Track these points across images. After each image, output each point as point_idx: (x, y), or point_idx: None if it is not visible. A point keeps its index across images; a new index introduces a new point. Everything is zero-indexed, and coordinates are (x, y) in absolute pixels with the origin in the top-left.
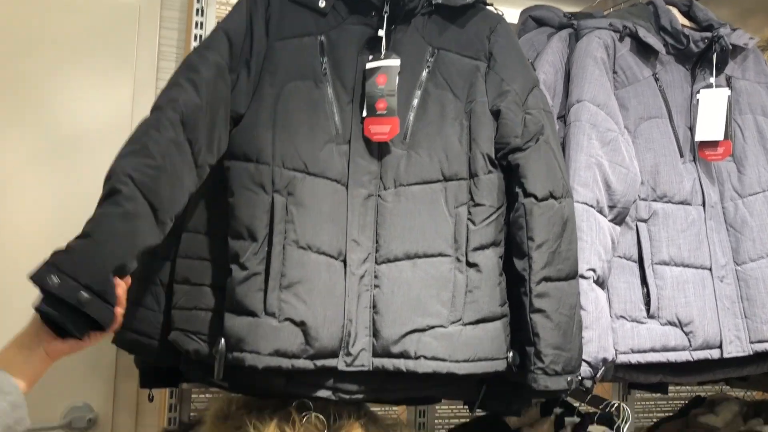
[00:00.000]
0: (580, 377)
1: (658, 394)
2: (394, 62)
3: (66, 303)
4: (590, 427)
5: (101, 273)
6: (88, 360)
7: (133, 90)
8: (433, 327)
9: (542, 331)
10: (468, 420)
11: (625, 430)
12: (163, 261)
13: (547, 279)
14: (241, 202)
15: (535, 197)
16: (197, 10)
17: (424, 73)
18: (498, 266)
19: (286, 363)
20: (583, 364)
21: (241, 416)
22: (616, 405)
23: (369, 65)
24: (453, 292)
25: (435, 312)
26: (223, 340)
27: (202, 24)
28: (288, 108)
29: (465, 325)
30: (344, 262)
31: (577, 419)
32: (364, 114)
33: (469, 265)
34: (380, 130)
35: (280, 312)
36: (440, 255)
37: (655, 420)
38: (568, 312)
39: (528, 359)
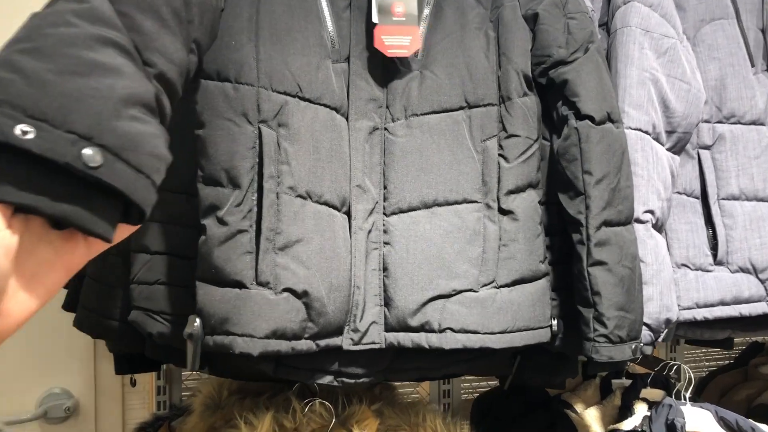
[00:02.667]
0: (641, 344)
1: None
2: None
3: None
4: (644, 391)
5: (100, 115)
6: (64, 340)
7: None
8: (460, 291)
9: (604, 289)
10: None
11: (688, 395)
12: None
13: (607, 223)
14: (217, 136)
15: (592, 119)
16: None
17: None
18: (537, 213)
19: (285, 346)
20: (643, 327)
21: (233, 404)
22: (675, 366)
23: None
24: (483, 247)
25: (462, 273)
26: (198, 320)
27: None
28: (274, 10)
29: (499, 287)
30: (348, 213)
31: (626, 382)
32: (375, 20)
33: (503, 212)
34: (397, 42)
35: (277, 280)
36: (465, 201)
37: (705, 372)
38: (630, 264)
39: (585, 324)
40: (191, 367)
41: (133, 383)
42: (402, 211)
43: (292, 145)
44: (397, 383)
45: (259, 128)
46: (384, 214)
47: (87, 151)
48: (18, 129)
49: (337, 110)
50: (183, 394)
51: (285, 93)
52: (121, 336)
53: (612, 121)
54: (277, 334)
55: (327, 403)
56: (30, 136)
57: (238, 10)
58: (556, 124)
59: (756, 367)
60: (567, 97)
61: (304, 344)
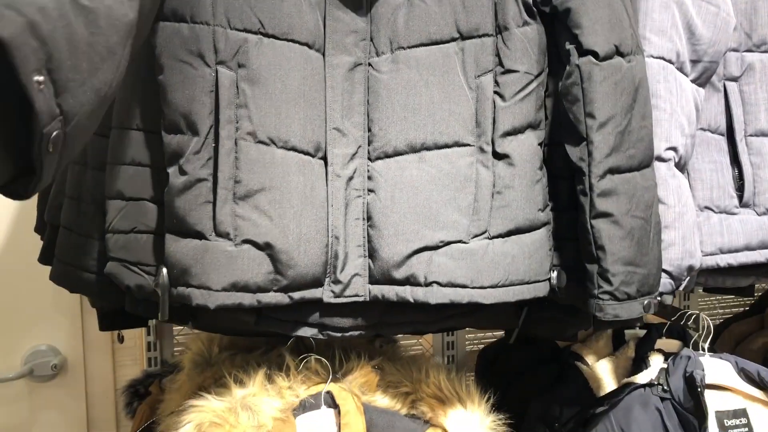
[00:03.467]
0: (659, 296)
1: None
2: None
3: None
4: (659, 342)
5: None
6: (49, 294)
7: None
8: (448, 243)
9: (609, 243)
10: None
11: (706, 345)
12: (95, 170)
13: (614, 170)
14: (174, 80)
15: (596, 55)
16: None
17: None
18: (537, 156)
19: (248, 299)
20: (663, 275)
21: (223, 361)
22: (693, 316)
23: None
24: (475, 195)
25: (451, 222)
26: (165, 270)
27: None
28: None
29: (492, 238)
30: (324, 159)
31: (641, 332)
32: None
33: (498, 156)
34: None
35: (237, 231)
36: (456, 144)
37: (720, 320)
38: (643, 213)
39: (589, 280)
40: (161, 317)
41: (121, 339)
42: (387, 156)
43: (252, 87)
44: (399, 335)
45: (216, 70)
46: (368, 159)
47: None
48: None
49: (309, 45)
50: (175, 349)
51: (245, 30)
52: (100, 290)
53: (621, 54)
54: (237, 287)
55: (323, 359)
56: None
57: None
58: (562, 59)
59: None
60: (570, 28)
61: (273, 297)
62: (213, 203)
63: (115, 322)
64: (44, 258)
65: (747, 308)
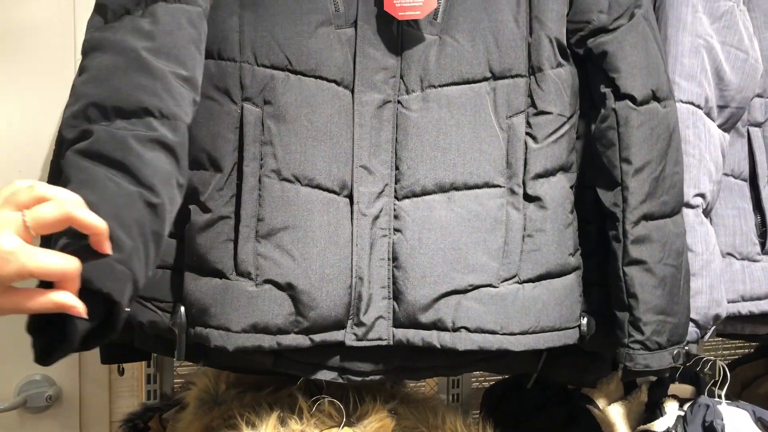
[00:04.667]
0: (686, 345)
1: None
2: None
3: None
4: (672, 387)
5: None
6: None
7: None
8: (477, 287)
9: (642, 291)
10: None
11: (723, 393)
12: None
13: (648, 217)
14: (199, 117)
15: (633, 99)
16: None
17: None
18: (569, 200)
19: (268, 341)
20: (690, 324)
21: (231, 400)
22: (710, 361)
23: None
24: (505, 238)
25: (480, 265)
26: (183, 309)
27: None
28: None
29: (522, 282)
30: (350, 197)
31: (653, 377)
32: None
33: (529, 198)
34: (409, 3)
35: (258, 271)
36: (487, 185)
37: (726, 361)
38: (674, 261)
39: (620, 328)
40: (178, 357)
41: (121, 371)
42: (415, 195)
43: (278, 124)
44: None
45: (242, 106)
46: (395, 197)
47: None
48: None
49: (338, 82)
50: (175, 382)
51: (272, 66)
52: None
53: (658, 99)
54: (258, 328)
55: (337, 402)
56: None
57: None
58: (596, 102)
59: None
60: (606, 71)
61: (293, 339)
62: (235, 241)
63: (118, 355)
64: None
65: (751, 351)
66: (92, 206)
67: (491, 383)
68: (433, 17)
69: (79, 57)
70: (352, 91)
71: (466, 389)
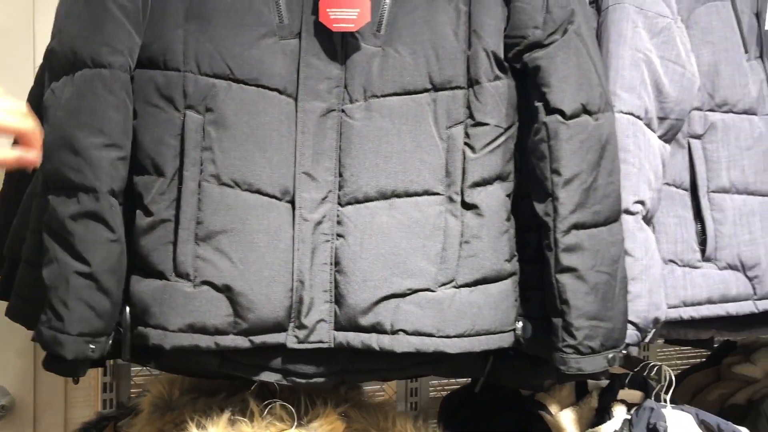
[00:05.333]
0: (624, 349)
1: None
2: None
3: None
4: (622, 392)
5: None
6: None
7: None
8: (416, 291)
9: (573, 297)
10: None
11: (668, 397)
12: None
13: (579, 226)
14: (145, 123)
15: (563, 114)
16: None
17: None
18: (505, 208)
19: (206, 341)
20: (629, 326)
21: (185, 405)
22: (655, 367)
23: None
24: (443, 244)
25: (419, 270)
26: (128, 309)
27: None
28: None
29: (459, 287)
30: (292, 203)
31: (604, 382)
32: None
33: (466, 206)
34: (343, 16)
35: (196, 272)
36: (427, 193)
37: (678, 370)
38: (608, 268)
39: (554, 333)
40: (123, 357)
41: (76, 380)
42: (358, 202)
43: (218, 130)
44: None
45: (184, 114)
46: (338, 204)
47: None
48: None
49: (280, 91)
50: (132, 391)
51: (214, 75)
52: None
53: (589, 113)
54: (195, 328)
55: (288, 405)
56: None
57: None
58: (524, 117)
59: (729, 367)
60: (539, 86)
61: (232, 340)
62: (174, 244)
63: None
64: (1, 293)
65: (704, 360)
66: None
67: (449, 391)
68: (377, 29)
69: (38, 63)
70: (296, 100)
71: (425, 398)
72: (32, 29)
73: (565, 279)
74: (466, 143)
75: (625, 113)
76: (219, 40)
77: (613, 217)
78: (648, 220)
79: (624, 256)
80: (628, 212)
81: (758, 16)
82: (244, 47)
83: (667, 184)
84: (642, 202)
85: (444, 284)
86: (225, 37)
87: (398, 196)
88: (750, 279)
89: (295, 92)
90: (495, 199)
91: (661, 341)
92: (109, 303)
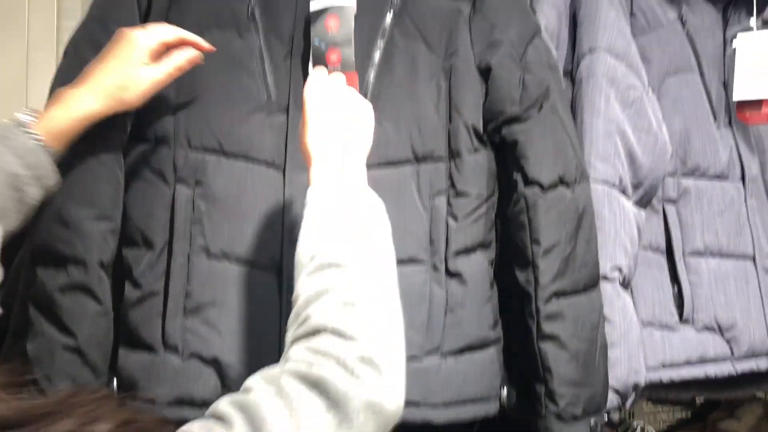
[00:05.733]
0: (606, 415)
1: None
2: (349, 1)
3: None
4: None
5: None
6: None
7: (26, 55)
8: None
9: (555, 365)
10: None
11: None
12: None
13: (559, 294)
14: (135, 196)
15: (540, 186)
16: None
17: (389, 18)
18: (488, 275)
19: (193, 414)
20: (610, 391)
21: None
22: (640, 427)
23: (314, 5)
24: (429, 313)
25: (407, 340)
26: (115, 381)
27: None
28: (196, 67)
29: (445, 355)
30: (279, 273)
31: None
32: (310, 70)
33: (450, 274)
34: None
35: (185, 345)
36: (411, 261)
37: (665, 427)
38: (588, 335)
39: (537, 400)
40: None
41: None
42: None
43: (208, 204)
44: None
45: (175, 188)
46: None
47: None
48: None
49: (268, 164)
50: None
51: (204, 150)
52: None
53: (566, 184)
54: (182, 401)
55: None
56: None
57: None
58: (504, 187)
59: (715, 423)
60: (517, 159)
61: None
62: (163, 316)
63: None
64: None
65: (689, 416)
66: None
67: None
68: None
69: None
70: (284, 173)
71: None
72: (25, 90)
73: (547, 347)
74: (449, 212)
75: (601, 182)
76: (210, 116)
77: (592, 284)
78: (625, 285)
79: (603, 323)
80: (606, 279)
81: (726, 85)
82: (234, 123)
83: (644, 248)
84: (619, 269)
85: (430, 353)
86: (215, 113)
87: None
88: (727, 341)
89: (283, 165)
90: (478, 266)
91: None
92: (94, 377)
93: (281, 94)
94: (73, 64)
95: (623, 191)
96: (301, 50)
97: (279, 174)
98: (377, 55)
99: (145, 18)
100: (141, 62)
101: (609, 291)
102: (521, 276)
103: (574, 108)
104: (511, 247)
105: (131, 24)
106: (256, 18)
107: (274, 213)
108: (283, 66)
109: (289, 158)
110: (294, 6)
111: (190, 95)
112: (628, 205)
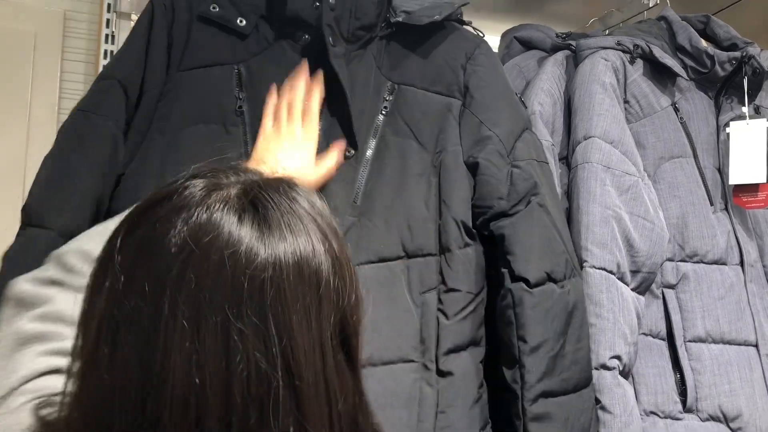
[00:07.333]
0: None
1: None
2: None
3: None
4: None
5: None
6: None
7: (27, 135)
8: None
9: None
10: None
11: None
12: None
13: (547, 394)
14: None
15: (527, 282)
16: (107, 37)
17: (381, 116)
18: (478, 375)
19: None
20: None
21: None
22: None
23: None
24: (419, 414)
25: None
26: None
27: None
28: (179, 160)
29: None
30: None
31: None
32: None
33: (441, 374)
34: None
35: None
36: (402, 360)
37: None
38: None
39: None
40: None
41: None
42: None
43: None
44: None
45: None
46: None
47: None
48: None
49: None
50: None
51: None
52: None
53: (554, 281)
54: None
55: None
56: None
57: (143, 169)
58: (492, 282)
59: None
60: (504, 254)
61: None
62: None
63: None
64: None
65: None
66: None
67: None
68: (354, 200)
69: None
70: None
71: None
72: (23, 171)
73: None
74: (439, 309)
75: (598, 268)
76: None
77: (583, 383)
78: (626, 374)
79: (596, 424)
80: (605, 368)
81: (720, 171)
82: None
83: (644, 333)
84: (618, 357)
85: None
86: (197, 162)
87: (373, 364)
88: (733, 431)
89: None
90: (469, 365)
91: None
92: None
93: None
94: (54, 153)
95: (621, 278)
96: None
97: None
98: (369, 153)
99: (135, 109)
100: None
101: (609, 380)
102: (508, 374)
103: (570, 193)
104: (500, 344)
105: (117, 115)
106: (244, 113)
107: None
108: None
109: None
110: None
111: (176, 147)
112: (627, 291)
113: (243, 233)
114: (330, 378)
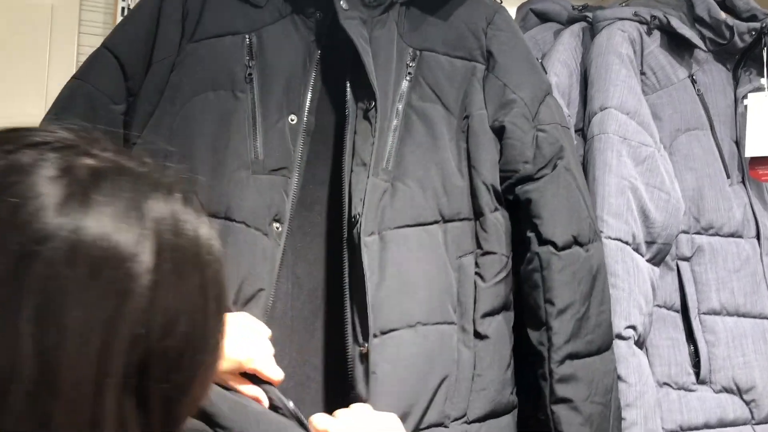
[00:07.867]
0: None
1: None
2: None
3: None
4: None
5: None
6: None
7: (44, 109)
8: (430, 426)
9: (569, 428)
10: None
11: None
12: None
13: (573, 356)
14: None
15: (555, 245)
16: (122, 10)
17: (405, 83)
18: (510, 339)
19: None
20: None
21: None
22: None
23: None
24: (457, 376)
25: (435, 405)
26: None
27: None
28: (188, 127)
29: (471, 422)
30: None
31: None
32: None
33: (479, 336)
34: None
35: None
36: (443, 323)
37: None
38: (602, 398)
39: None
40: None
41: None
42: (383, 333)
43: None
44: None
45: None
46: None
47: None
48: None
49: (247, 224)
50: None
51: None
52: None
53: (580, 244)
54: None
55: None
56: None
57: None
58: (517, 246)
59: None
60: (531, 218)
61: None
62: None
63: None
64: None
65: None
66: None
67: None
68: (385, 166)
69: None
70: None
71: None
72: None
73: (560, 410)
74: (476, 272)
75: (614, 239)
76: (195, 172)
77: (605, 346)
78: (640, 344)
79: (617, 385)
80: (621, 337)
81: (738, 143)
82: (218, 180)
83: (659, 305)
84: (633, 327)
85: (456, 419)
86: (203, 172)
87: (413, 326)
88: (747, 403)
89: (265, 228)
90: (503, 329)
91: None
92: None
93: (269, 155)
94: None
95: (637, 248)
96: None
97: (260, 234)
98: (396, 121)
99: (143, 77)
100: None
101: (624, 350)
102: (534, 337)
103: (586, 164)
104: (524, 306)
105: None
106: (253, 81)
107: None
108: (274, 129)
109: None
110: (288, 71)
111: (181, 148)
112: (642, 262)
113: (48, 190)
114: (101, 420)
